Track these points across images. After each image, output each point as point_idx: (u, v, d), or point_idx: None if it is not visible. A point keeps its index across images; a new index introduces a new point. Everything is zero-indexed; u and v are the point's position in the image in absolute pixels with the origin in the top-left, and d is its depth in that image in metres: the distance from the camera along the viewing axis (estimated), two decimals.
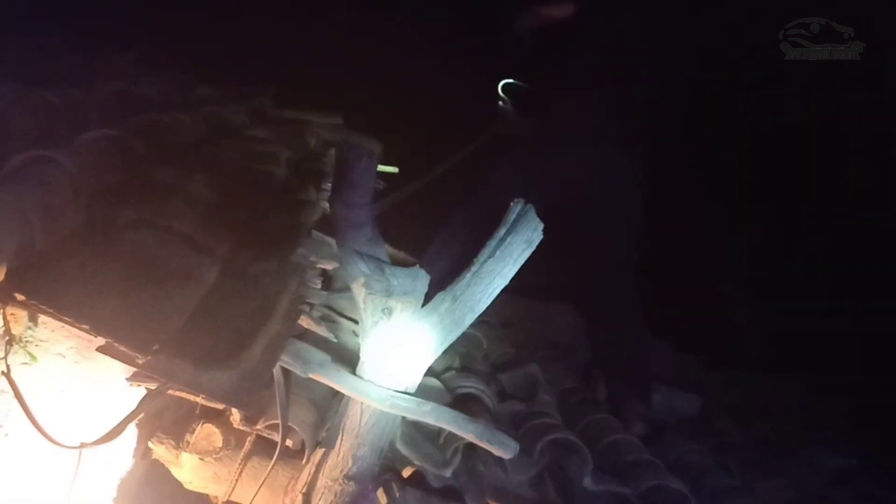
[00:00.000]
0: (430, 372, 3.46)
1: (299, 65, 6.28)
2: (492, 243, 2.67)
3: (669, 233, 5.67)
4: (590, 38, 4.68)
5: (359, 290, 2.46)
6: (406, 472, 2.97)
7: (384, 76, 6.43)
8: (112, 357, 2.13)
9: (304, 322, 2.84)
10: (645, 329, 4.92)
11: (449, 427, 2.63)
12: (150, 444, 2.97)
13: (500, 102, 5.02)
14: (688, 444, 4.05)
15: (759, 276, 6.66)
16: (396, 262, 2.75)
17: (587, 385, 4.51)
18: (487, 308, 2.72)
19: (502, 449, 2.60)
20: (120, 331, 2.03)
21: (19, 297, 2.03)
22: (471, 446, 2.95)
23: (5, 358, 2.58)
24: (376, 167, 2.51)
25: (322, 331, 2.95)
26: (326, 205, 3.68)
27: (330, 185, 3.83)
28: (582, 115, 4.68)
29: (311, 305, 2.90)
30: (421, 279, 2.44)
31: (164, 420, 3.08)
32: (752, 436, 4.81)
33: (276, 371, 2.60)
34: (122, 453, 2.93)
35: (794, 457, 4.65)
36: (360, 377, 2.61)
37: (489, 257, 2.65)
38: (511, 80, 5.02)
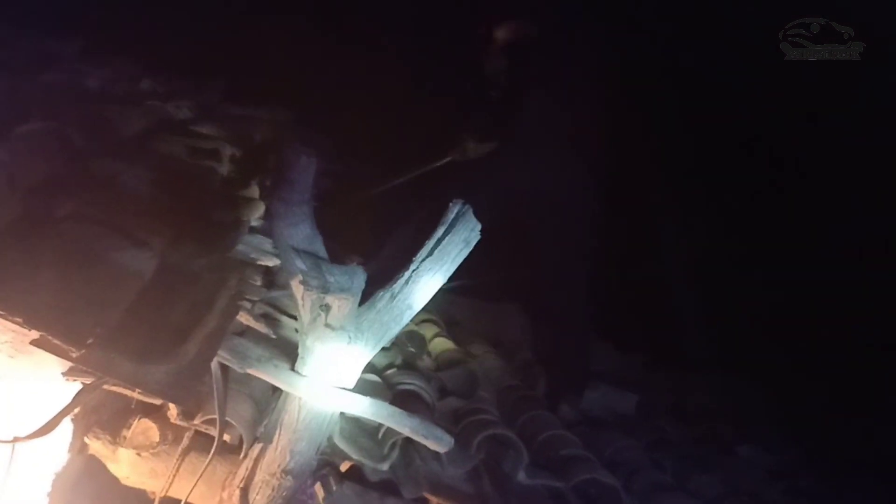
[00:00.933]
0: (371, 368, 3.52)
1: (253, 60, 6.24)
2: (430, 243, 2.73)
3: (616, 233, 5.78)
4: (543, 54, 4.79)
5: (296, 287, 2.49)
6: (344, 467, 3.01)
7: (346, 76, 6.44)
8: (46, 350, 2.13)
9: (245, 318, 2.86)
10: (588, 328, 5.06)
11: (385, 422, 2.68)
12: (86, 440, 2.96)
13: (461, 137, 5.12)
14: (624, 440, 4.16)
15: (701, 276, 6.84)
16: (339, 261, 2.78)
17: (527, 382, 4.59)
18: (432, 306, 2.78)
19: (438, 443, 2.66)
20: (54, 324, 2.04)
21: None
22: (409, 441, 3.00)
23: None
24: (314, 165, 2.54)
25: (262, 327, 2.97)
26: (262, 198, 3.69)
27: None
28: (537, 125, 4.78)
29: (252, 302, 2.91)
30: (358, 276, 2.48)
31: (101, 415, 3.06)
32: (689, 434, 4.95)
33: (214, 366, 2.62)
34: (58, 448, 2.90)
35: (730, 455, 4.82)
36: (299, 373, 2.64)
37: (427, 256, 2.71)
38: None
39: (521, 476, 3.35)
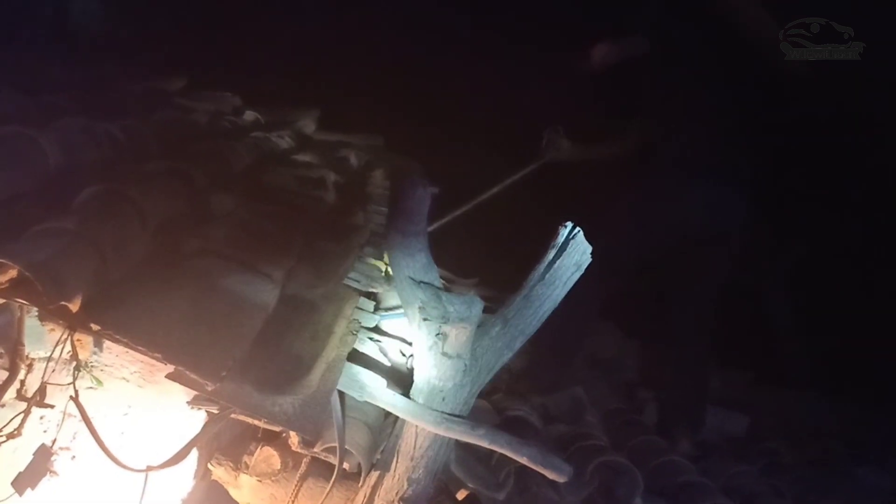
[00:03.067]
0: (479, 394, 3.51)
1: (342, 87, 6.39)
2: (541, 267, 2.71)
3: (722, 247, 5.62)
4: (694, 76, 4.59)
5: (414, 317, 2.51)
6: (460, 495, 3.01)
7: (431, 97, 6.50)
8: (182, 384, 2.21)
9: (359, 345, 2.90)
10: (710, 359, 4.82)
11: (503, 450, 2.65)
12: (209, 466, 3.05)
13: (551, 133, 5.02)
14: (737, 465, 4.02)
15: (809, 293, 6.58)
16: (450, 286, 2.80)
17: (631, 406, 4.50)
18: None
19: (556, 472, 2.62)
20: (190, 359, 2.10)
21: (95, 327, 2.11)
22: (522, 468, 2.96)
23: (73, 383, 2.68)
24: (429, 195, 2.57)
25: (373, 352, 3.00)
26: (373, 226, 3.75)
27: (375, 206, 3.92)
28: (700, 152, 4.55)
29: (366, 329, 2.96)
30: (476, 306, 2.48)
31: (221, 441, 3.15)
32: (802, 456, 4.74)
33: (333, 395, 2.66)
34: (183, 475, 3.01)
35: (847, 477, 4.59)
36: (415, 400, 2.65)
37: (538, 281, 2.69)
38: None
39: (637, 503, 3.27)
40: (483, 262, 4.92)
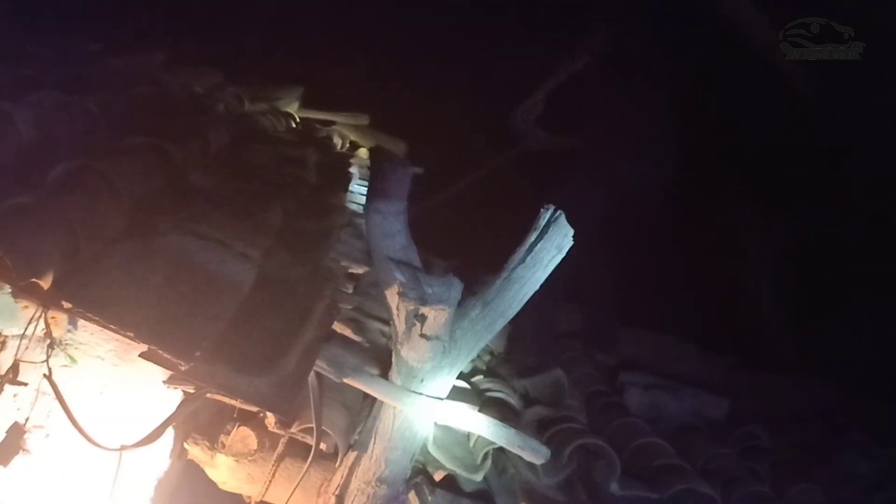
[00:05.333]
0: (459, 375, 3.50)
1: (327, 66, 6.31)
2: (522, 249, 2.68)
3: (701, 234, 5.64)
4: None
5: (393, 298, 2.48)
6: (437, 476, 3.00)
7: (414, 81, 6.45)
8: (155, 363, 2.18)
9: (337, 326, 2.88)
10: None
11: (481, 433, 2.65)
12: (185, 445, 3.03)
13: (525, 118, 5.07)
14: (716, 448, 4.04)
15: (790, 278, 6.61)
16: (429, 268, 2.77)
17: (612, 388, 4.51)
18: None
19: (534, 454, 2.63)
20: (163, 338, 2.07)
21: (66, 305, 2.08)
22: (501, 450, 2.97)
23: (47, 361, 2.65)
24: (410, 176, 2.53)
25: (353, 335, 2.99)
26: (353, 207, 3.72)
27: (356, 186, 3.88)
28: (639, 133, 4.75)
29: (345, 310, 2.93)
30: (455, 288, 2.45)
31: (198, 421, 3.13)
32: (781, 440, 4.77)
33: (311, 376, 2.64)
34: (160, 454, 2.98)
35: (826, 462, 4.62)
36: (393, 382, 2.64)
37: (519, 263, 2.66)
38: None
39: (614, 487, 3.28)
40: (466, 244, 4.90)
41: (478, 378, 3.66)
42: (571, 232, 2.70)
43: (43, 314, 2.61)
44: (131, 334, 2.06)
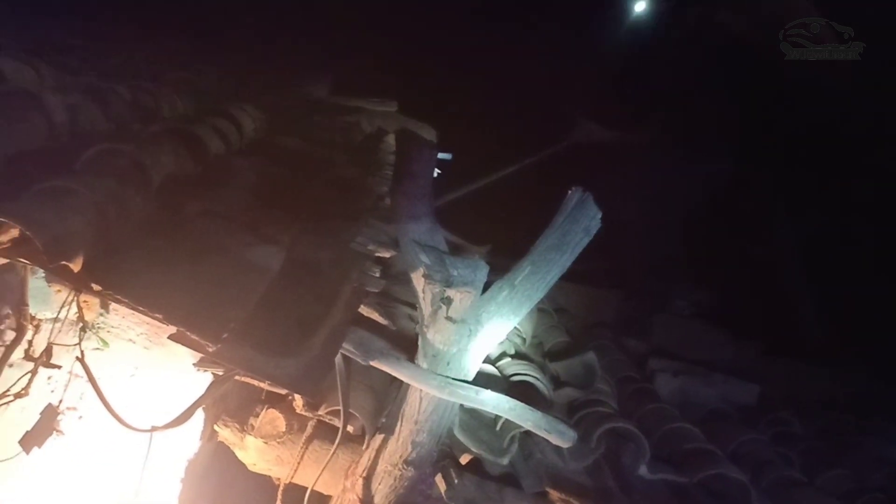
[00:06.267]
0: (485, 358, 3.50)
1: (357, 53, 6.30)
2: (549, 232, 2.66)
3: (733, 219, 5.56)
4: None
5: (418, 280, 2.48)
6: (464, 459, 3.00)
7: (456, 67, 6.41)
8: (183, 345, 2.20)
9: (364, 310, 2.88)
10: None
11: (507, 415, 2.64)
12: (215, 427, 3.07)
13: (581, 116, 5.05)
14: (746, 433, 3.99)
15: (821, 263, 6.50)
16: (458, 250, 2.76)
17: (643, 374, 4.48)
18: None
19: (560, 438, 2.61)
20: (191, 320, 2.10)
21: (96, 287, 2.10)
22: (527, 433, 2.96)
23: (79, 344, 2.69)
24: (436, 159, 2.52)
25: (380, 318, 2.99)
26: (382, 190, 3.71)
27: (385, 171, 3.88)
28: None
29: (372, 294, 2.93)
30: (481, 270, 2.44)
31: (228, 403, 3.17)
32: (811, 426, 4.71)
33: (338, 358, 2.65)
34: (190, 436, 3.03)
35: (855, 447, 4.55)
36: (419, 365, 2.64)
37: (547, 246, 2.64)
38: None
39: (643, 470, 3.26)
40: (498, 230, 4.88)
41: (506, 361, 3.65)
42: (599, 214, 2.66)
43: (75, 298, 2.66)
44: (160, 316, 2.08)
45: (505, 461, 2.95)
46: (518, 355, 3.86)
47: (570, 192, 2.70)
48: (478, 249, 4.51)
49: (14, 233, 2.14)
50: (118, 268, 2.16)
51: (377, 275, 3.03)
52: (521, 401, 2.81)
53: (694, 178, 4.68)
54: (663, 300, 5.26)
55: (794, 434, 4.45)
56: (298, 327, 2.38)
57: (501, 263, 4.28)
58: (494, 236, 4.83)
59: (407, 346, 2.80)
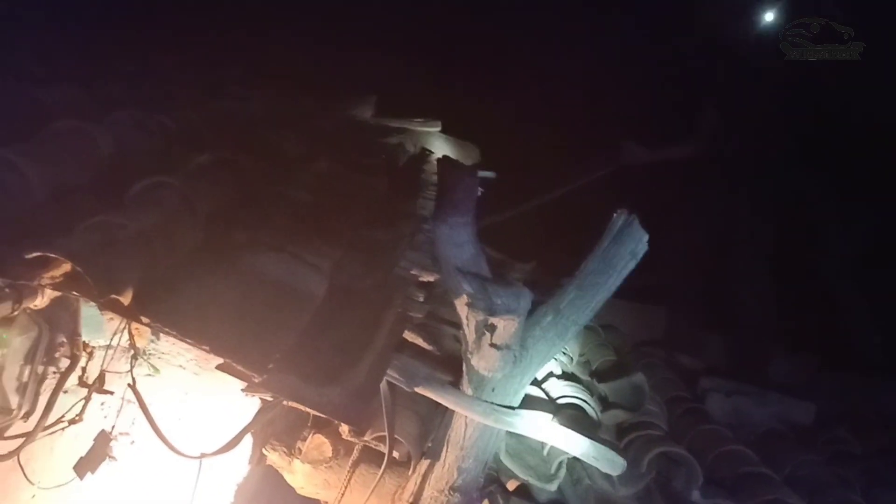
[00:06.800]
0: (531, 381, 3.46)
1: (399, 74, 6.33)
2: (595, 255, 2.62)
3: (786, 232, 5.43)
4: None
5: (462, 308, 2.46)
6: (511, 485, 2.97)
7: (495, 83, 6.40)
8: (230, 375, 2.23)
9: (408, 336, 2.87)
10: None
11: (555, 444, 2.61)
12: (264, 451, 3.09)
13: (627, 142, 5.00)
14: (803, 454, 3.87)
15: (876, 274, 6.29)
16: (500, 267, 2.73)
17: (693, 394, 4.38)
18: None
19: (610, 466, 2.57)
20: (237, 351, 2.12)
21: (145, 320, 2.14)
22: (576, 458, 2.91)
23: (131, 370, 2.75)
24: (478, 185, 2.51)
25: (423, 342, 2.97)
26: (425, 213, 3.71)
27: (429, 193, 3.88)
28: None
29: (416, 319, 2.93)
30: (524, 298, 2.41)
31: (276, 427, 3.19)
32: (871, 445, 4.54)
33: (383, 385, 2.65)
34: (239, 459, 3.06)
35: None
36: (464, 391, 2.62)
37: (593, 270, 2.60)
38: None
39: (696, 496, 3.18)
40: (542, 246, 4.85)
41: (552, 382, 3.60)
42: (646, 237, 2.62)
43: (127, 326, 2.72)
44: (207, 347, 2.11)
45: (553, 487, 2.90)
46: (565, 375, 3.81)
47: (615, 214, 2.66)
48: (521, 266, 4.47)
49: (66, 267, 2.19)
50: (167, 300, 2.19)
51: (421, 299, 3.02)
52: (569, 423, 2.78)
53: (746, 191, 4.59)
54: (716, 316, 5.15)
55: (853, 454, 4.30)
56: (343, 355, 2.39)
57: (545, 281, 4.25)
58: (538, 252, 4.79)
59: (452, 368, 2.78)
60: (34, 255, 2.04)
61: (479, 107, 6.13)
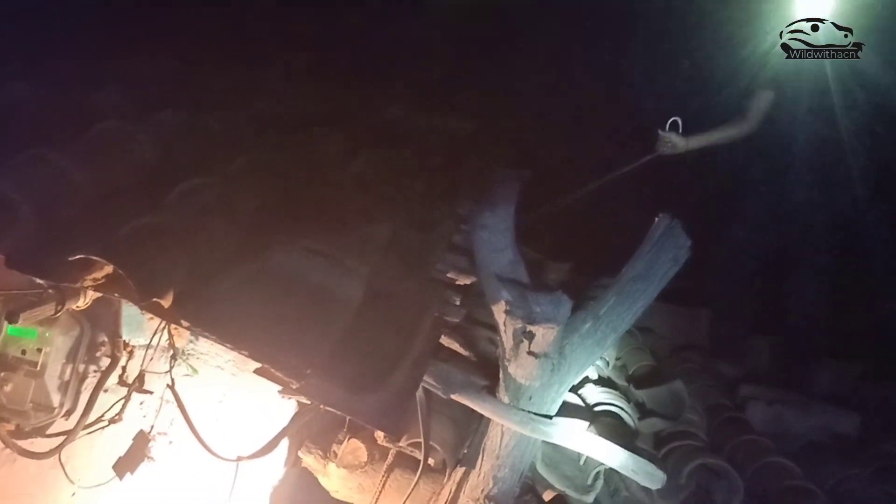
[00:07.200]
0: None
1: (434, 72, 6.31)
2: (635, 261, 2.58)
3: (824, 231, 5.29)
4: None
5: (500, 315, 2.44)
6: (547, 496, 2.94)
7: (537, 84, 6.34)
8: (269, 380, 2.23)
9: (444, 341, 2.85)
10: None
11: (592, 455, 2.57)
12: (299, 454, 3.10)
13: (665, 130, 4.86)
14: (847, 468, 3.76)
15: None
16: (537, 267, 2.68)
17: (733, 402, 4.28)
18: None
19: (650, 479, 2.52)
20: (275, 356, 2.12)
21: (185, 323, 2.15)
22: (613, 468, 2.86)
23: (170, 371, 2.78)
24: (518, 188, 2.48)
25: (459, 347, 2.95)
26: (461, 215, 3.69)
27: (465, 195, 3.85)
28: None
29: (452, 324, 2.91)
30: (563, 306, 2.38)
31: (311, 429, 3.20)
32: None
33: (419, 392, 2.64)
34: (275, 462, 3.08)
35: None
36: (501, 399, 2.59)
37: (633, 276, 2.56)
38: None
39: None
40: (580, 246, 4.78)
41: (588, 387, 3.56)
42: (689, 243, 2.57)
43: (166, 327, 2.74)
44: (245, 352, 2.11)
45: (590, 499, 2.86)
46: (601, 380, 3.76)
47: (657, 218, 2.61)
48: (557, 267, 4.42)
49: (108, 269, 2.22)
50: (206, 304, 2.20)
51: (457, 303, 3.00)
52: (607, 432, 2.74)
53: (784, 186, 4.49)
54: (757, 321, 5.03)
55: None
56: (380, 362, 2.38)
57: (583, 282, 4.19)
58: (576, 252, 4.73)
59: (489, 370, 2.76)
60: (77, 257, 2.06)
61: (511, 102, 6.08)
